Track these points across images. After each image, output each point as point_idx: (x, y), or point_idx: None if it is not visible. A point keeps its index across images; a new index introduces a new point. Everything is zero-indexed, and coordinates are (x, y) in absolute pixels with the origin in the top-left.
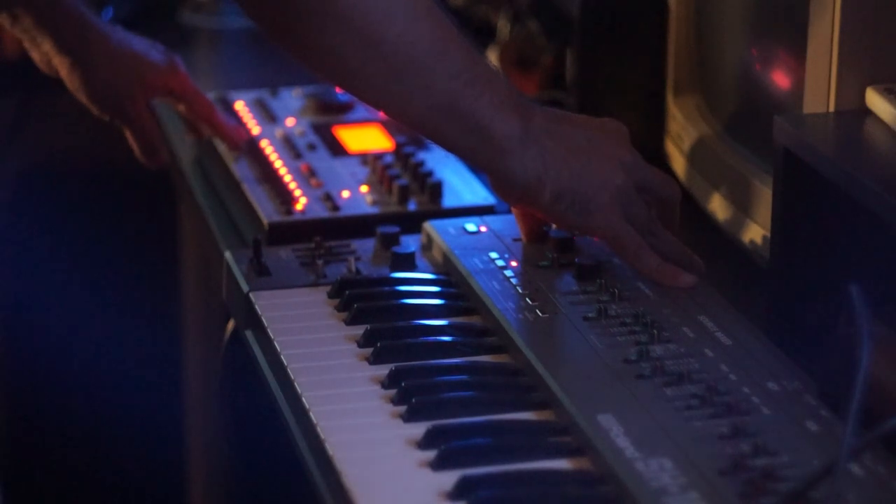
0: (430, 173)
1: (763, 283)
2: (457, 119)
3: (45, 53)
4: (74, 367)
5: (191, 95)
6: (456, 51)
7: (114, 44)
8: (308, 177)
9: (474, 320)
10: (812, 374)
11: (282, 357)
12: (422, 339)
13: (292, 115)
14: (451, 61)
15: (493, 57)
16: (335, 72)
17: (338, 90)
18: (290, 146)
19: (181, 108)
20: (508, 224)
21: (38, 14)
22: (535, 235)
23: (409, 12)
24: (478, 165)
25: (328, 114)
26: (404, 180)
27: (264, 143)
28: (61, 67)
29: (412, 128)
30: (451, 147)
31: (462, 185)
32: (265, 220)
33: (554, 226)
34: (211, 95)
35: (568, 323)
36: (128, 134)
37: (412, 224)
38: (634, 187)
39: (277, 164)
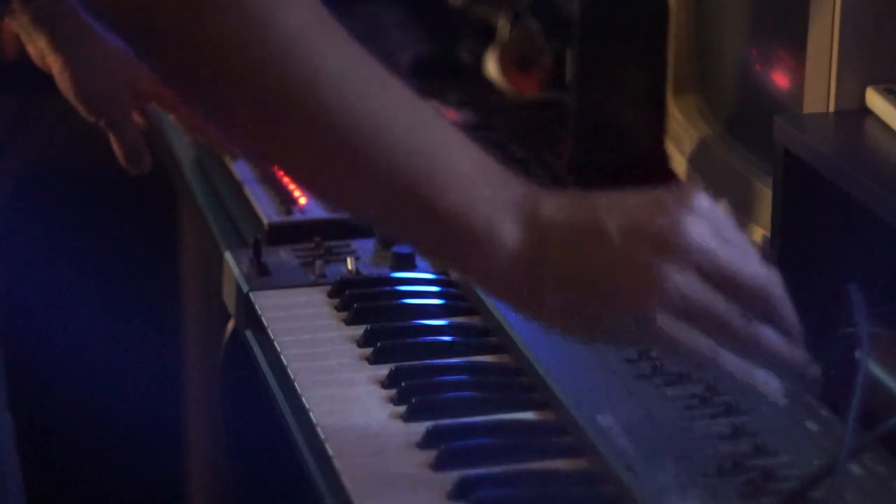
0: None
1: None
2: (414, 208)
3: (39, 49)
4: (74, 367)
5: (181, 106)
6: (410, 106)
7: (109, 47)
8: None
9: (474, 320)
10: None
11: (282, 357)
12: (422, 339)
13: None
14: (403, 123)
15: (493, 57)
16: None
17: None
18: None
19: (172, 117)
20: None
21: (36, 11)
22: None
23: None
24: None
25: None
26: None
27: None
28: (54, 65)
29: (354, 217)
30: (409, 242)
31: None
32: (265, 220)
33: None
34: None
35: None
36: (112, 138)
37: None
38: (696, 274)
39: None
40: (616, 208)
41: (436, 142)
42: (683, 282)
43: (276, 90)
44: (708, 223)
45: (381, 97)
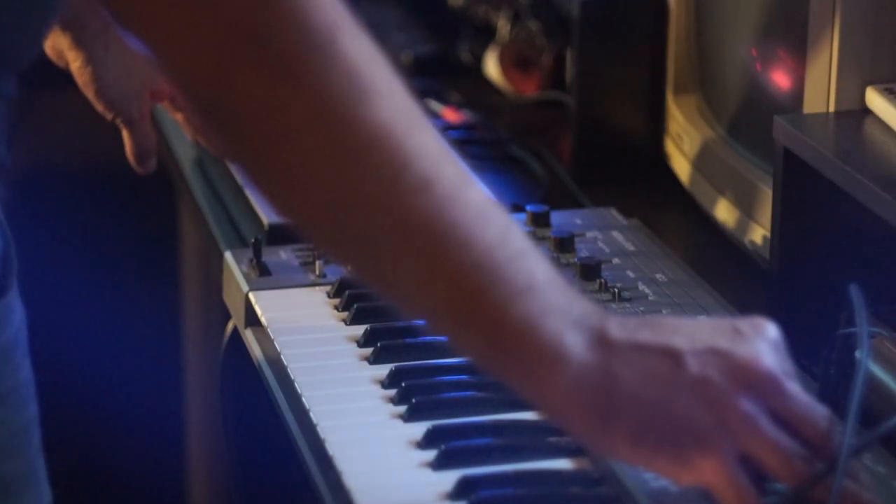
0: None
1: (764, 283)
2: (484, 312)
3: (58, 45)
4: (74, 367)
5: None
6: (492, 209)
7: (130, 47)
8: None
9: None
10: (812, 374)
11: (282, 357)
12: (422, 339)
13: None
14: (487, 230)
15: (493, 57)
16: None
17: None
18: None
19: (178, 116)
20: None
21: (64, 13)
22: None
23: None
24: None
25: None
26: None
27: None
28: (74, 62)
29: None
30: (471, 353)
31: None
32: (265, 220)
33: (551, 231)
34: None
35: None
36: (126, 135)
37: None
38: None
39: None
40: (685, 331)
41: (514, 247)
42: (761, 419)
43: (356, 181)
44: (779, 356)
45: (464, 197)
